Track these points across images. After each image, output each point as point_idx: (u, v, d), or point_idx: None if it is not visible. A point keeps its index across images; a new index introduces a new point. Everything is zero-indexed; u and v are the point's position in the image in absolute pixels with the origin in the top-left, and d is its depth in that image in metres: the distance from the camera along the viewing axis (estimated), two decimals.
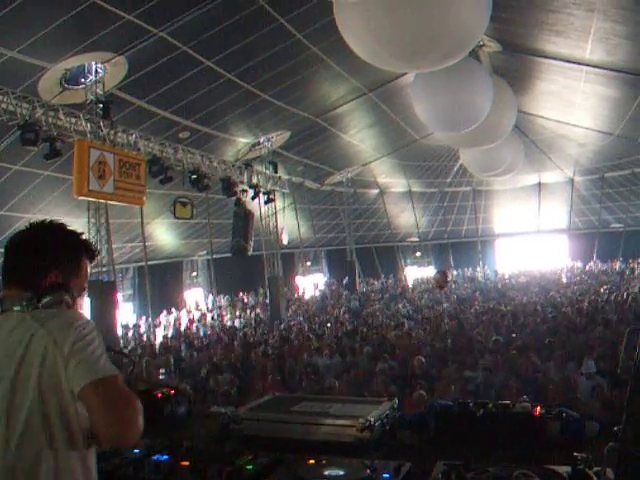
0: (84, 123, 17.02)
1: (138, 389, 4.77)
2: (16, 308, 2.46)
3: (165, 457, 3.32)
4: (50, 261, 2.60)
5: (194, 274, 34.38)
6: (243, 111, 21.58)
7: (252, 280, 33.67)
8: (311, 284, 39.49)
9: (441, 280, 19.76)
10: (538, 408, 3.77)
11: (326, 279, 41.06)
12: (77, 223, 20.51)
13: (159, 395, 4.59)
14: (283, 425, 2.99)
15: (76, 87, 16.87)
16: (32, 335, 2.33)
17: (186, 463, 3.17)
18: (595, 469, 2.74)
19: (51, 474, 2.31)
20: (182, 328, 25.76)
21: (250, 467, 3.11)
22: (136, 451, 3.45)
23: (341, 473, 2.96)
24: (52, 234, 2.68)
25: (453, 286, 34.32)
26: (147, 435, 3.81)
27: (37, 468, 2.29)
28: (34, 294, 2.48)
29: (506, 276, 40.68)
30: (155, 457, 3.34)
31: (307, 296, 36.41)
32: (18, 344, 2.33)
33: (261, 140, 25.34)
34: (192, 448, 3.43)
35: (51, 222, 2.72)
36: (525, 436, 3.60)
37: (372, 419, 3.56)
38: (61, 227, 2.73)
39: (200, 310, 30.39)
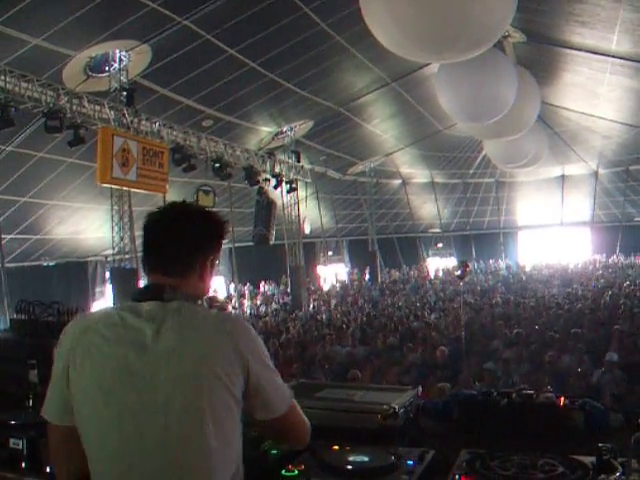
0: (108, 111, 17.07)
1: None
2: (178, 301, 2.39)
3: None
4: (208, 249, 2.57)
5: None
6: (266, 100, 21.59)
7: (273, 269, 33.69)
8: (332, 274, 39.48)
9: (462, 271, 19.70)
10: (562, 399, 3.76)
11: (348, 269, 41.03)
12: (100, 210, 20.73)
13: None
14: (307, 411, 2.98)
15: (100, 75, 16.95)
16: (220, 341, 2.29)
17: None
18: (620, 460, 2.73)
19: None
20: None
21: (275, 452, 3.12)
22: None
23: (365, 459, 2.97)
24: (208, 220, 2.62)
25: (475, 278, 34.19)
26: None
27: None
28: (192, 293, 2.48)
29: (528, 268, 40.46)
30: None
31: (328, 286, 36.43)
32: (209, 350, 2.26)
33: (284, 129, 25.35)
34: None
35: (192, 205, 2.74)
36: (549, 426, 3.60)
37: (396, 407, 3.56)
38: (204, 211, 2.69)
39: (217, 302, 30.42)
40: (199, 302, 2.51)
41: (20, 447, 3.43)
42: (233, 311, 27.07)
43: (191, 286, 2.48)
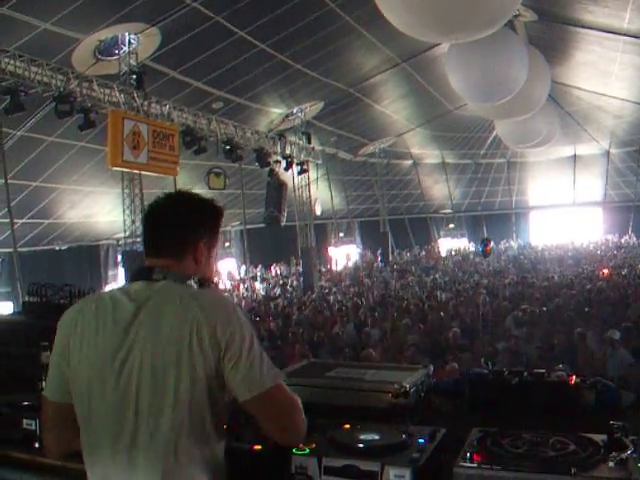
0: (118, 94, 17.08)
1: None
2: (165, 280, 2.48)
3: None
4: (199, 231, 2.61)
5: (227, 244, 34.46)
6: (276, 81, 21.56)
7: (285, 251, 33.74)
8: (344, 255, 39.54)
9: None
10: (574, 377, 3.76)
11: (359, 250, 41.06)
12: (112, 193, 20.78)
13: None
14: (318, 390, 3.02)
15: (110, 58, 16.96)
16: (193, 317, 2.31)
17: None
18: (631, 437, 2.73)
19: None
20: None
21: None
22: None
23: (376, 438, 2.97)
24: (199, 203, 2.67)
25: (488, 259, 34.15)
26: None
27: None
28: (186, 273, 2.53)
29: (540, 249, 40.38)
30: None
31: (340, 267, 36.48)
32: (180, 325, 2.32)
33: (294, 110, 25.32)
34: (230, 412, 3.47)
35: (188, 192, 2.74)
36: (560, 405, 3.60)
37: (407, 385, 3.57)
38: (198, 196, 2.72)
39: (234, 281, 30.58)
40: (189, 282, 2.51)
41: (33, 428, 3.49)
42: (245, 293, 27.18)
43: (184, 267, 2.55)
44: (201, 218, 2.65)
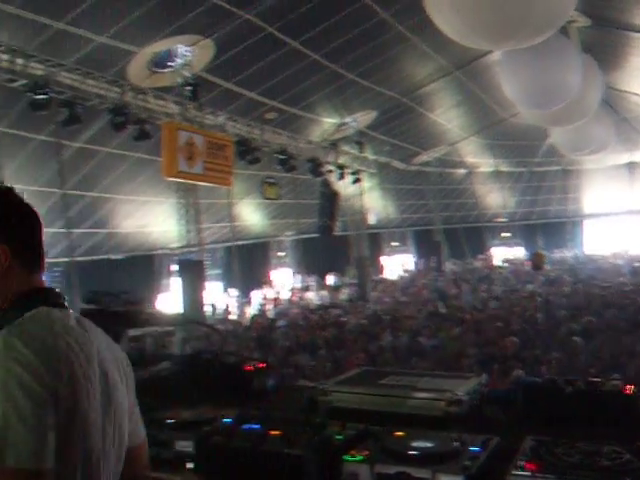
0: (172, 105, 17.31)
1: (227, 362, 4.90)
2: None
3: (255, 426, 3.40)
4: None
5: (281, 254, 34.61)
6: (329, 91, 21.60)
7: (338, 260, 33.74)
8: (397, 264, 39.45)
9: (538, 261, 19.62)
10: (629, 387, 3.73)
11: (415, 260, 40.93)
12: (166, 204, 21.06)
13: (248, 368, 4.70)
14: (371, 397, 3.02)
15: (164, 70, 17.15)
16: None
17: (276, 432, 3.23)
18: None
19: None
20: (269, 307, 26.12)
21: (339, 437, 3.16)
22: (227, 420, 3.56)
23: (429, 445, 2.99)
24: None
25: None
26: (237, 406, 3.92)
27: None
28: None
29: (595, 257, 39.79)
30: (246, 426, 3.43)
31: (394, 276, 36.41)
32: None
33: (347, 120, 25.35)
34: (282, 418, 3.50)
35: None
36: (615, 414, 3.57)
37: (460, 394, 3.57)
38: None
39: (288, 290, 30.73)
40: None
41: None
42: (299, 302, 27.23)
43: None
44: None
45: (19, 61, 13.85)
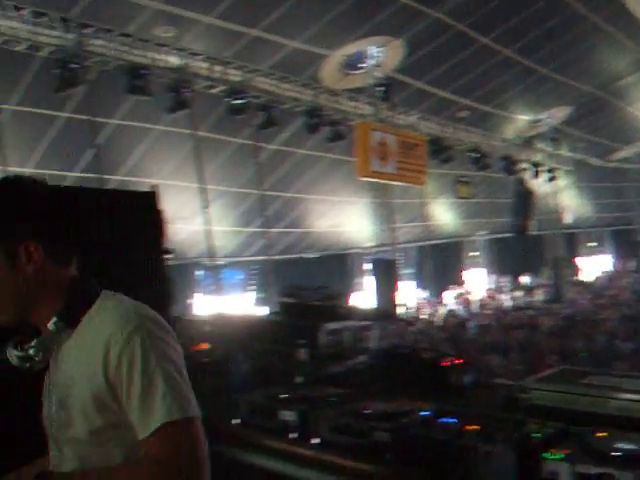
0: (365, 106, 17.53)
1: (424, 357, 4.93)
2: None
3: (453, 420, 3.41)
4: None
5: (474, 254, 34.23)
6: (522, 88, 21.14)
7: (532, 260, 32.95)
8: (594, 266, 38.07)
9: None
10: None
11: (612, 261, 39.38)
12: (358, 203, 21.34)
13: (445, 363, 4.71)
14: (573, 397, 2.95)
15: (356, 72, 17.38)
16: None
17: (473, 427, 3.21)
18: None
19: None
20: (461, 307, 25.97)
21: (538, 435, 3.10)
22: (425, 413, 3.58)
23: (634, 447, 2.88)
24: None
25: None
26: (432, 400, 3.96)
27: None
28: None
29: None
30: (443, 419, 3.44)
31: (591, 278, 35.18)
32: None
33: (541, 116, 24.73)
34: (479, 414, 3.48)
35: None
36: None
37: None
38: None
39: (484, 290, 30.43)
40: None
41: (291, 419, 3.68)
42: (493, 303, 26.89)
43: None
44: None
45: (217, 68, 14.58)
